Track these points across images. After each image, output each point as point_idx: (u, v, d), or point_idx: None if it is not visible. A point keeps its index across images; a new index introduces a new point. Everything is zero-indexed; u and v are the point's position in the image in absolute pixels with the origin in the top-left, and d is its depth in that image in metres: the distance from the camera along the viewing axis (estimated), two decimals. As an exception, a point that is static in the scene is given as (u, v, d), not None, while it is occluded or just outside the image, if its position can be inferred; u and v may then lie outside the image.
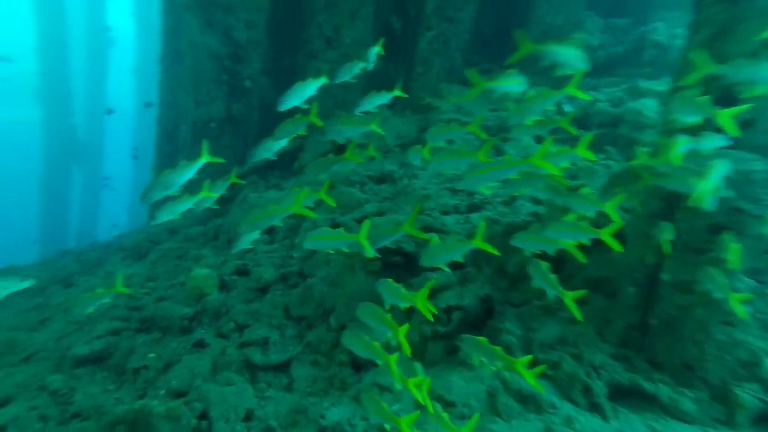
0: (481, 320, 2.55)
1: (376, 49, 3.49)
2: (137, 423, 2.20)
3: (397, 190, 4.46)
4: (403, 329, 2.15)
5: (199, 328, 3.38)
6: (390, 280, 2.45)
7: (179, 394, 2.55)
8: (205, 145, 2.87)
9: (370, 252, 2.60)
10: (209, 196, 3.03)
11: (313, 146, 6.62)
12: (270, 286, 3.86)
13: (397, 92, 3.22)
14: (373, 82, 7.06)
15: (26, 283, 2.52)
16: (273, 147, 3.28)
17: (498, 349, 1.87)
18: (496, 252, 2.14)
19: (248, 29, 5.70)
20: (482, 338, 1.99)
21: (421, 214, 3.54)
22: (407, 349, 2.14)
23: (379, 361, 2.15)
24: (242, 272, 4.12)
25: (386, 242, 2.71)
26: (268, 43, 6.28)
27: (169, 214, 2.73)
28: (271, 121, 7.80)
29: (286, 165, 6.97)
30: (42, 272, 5.89)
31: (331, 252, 3.21)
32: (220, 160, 3.05)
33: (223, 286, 3.91)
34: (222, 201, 7.37)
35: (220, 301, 3.67)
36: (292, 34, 6.45)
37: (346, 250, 3.07)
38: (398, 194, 4.37)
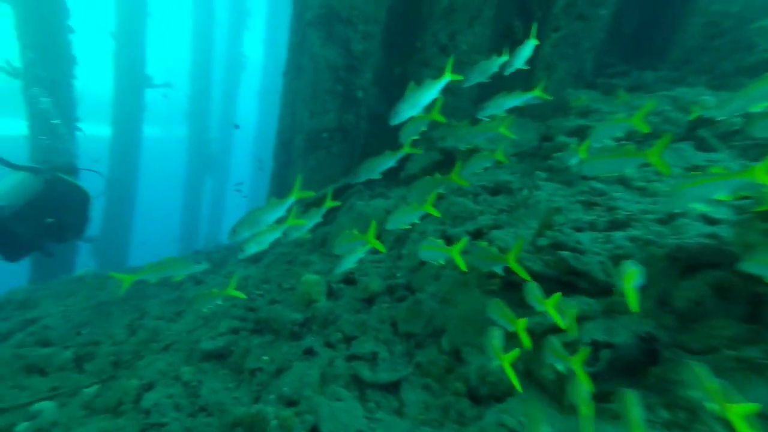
0: (640, 365, 2.03)
1: (533, 42, 3.02)
2: (254, 427, 2.18)
3: (515, 202, 4.03)
4: (522, 322, 2.11)
5: (309, 335, 3.37)
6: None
7: (290, 403, 2.50)
8: (297, 182, 2.75)
9: (462, 266, 2.50)
10: (297, 223, 2.92)
11: (420, 156, 6.47)
12: (376, 297, 3.74)
13: (536, 92, 2.82)
14: (485, 89, 6.69)
15: (201, 267, 2.74)
16: (379, 166, 3.08)
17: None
18: (636, 310, 1.76)
19: (364, 40, 5.81)
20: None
21: (550, 229, 3.09)
22: (527, 343, 2.08)
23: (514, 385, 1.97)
24: (349, 281, 4.07)
25: (494, 268, 2.45)
26: (382, 53, 6.35)
27: (257, 246, 2.70)
28: (378, 130, 7.91)
29: (392, 174, 6.91)
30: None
31: (442, 263, 2.92)
32: (311, 194, 2.96)
33: (331, 294, 3.89)
34: (330, 209, 7.54)
35: (327, 308, 3.64)
36: (404, 43, 6.44)
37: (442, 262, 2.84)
38: (517, 206, 3.95)
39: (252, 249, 2.64)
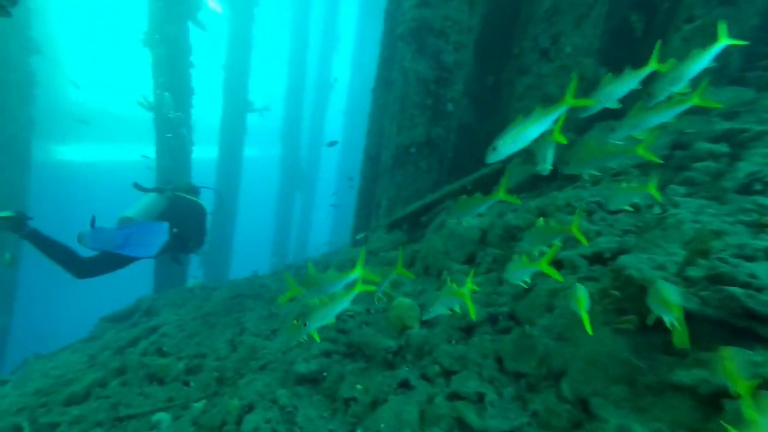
0: None
1: (721, 43, 2.12)
2: (350, 472, 1.98)
3: (644, 222, 3.40)
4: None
5: (403, 365, 3.12)
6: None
7: (389, 444, 2.26)
8: (361, 256, 2.49)
9: (589, 330, 2.04)
10: (367, 290, 2.58)
11: (516, 171, 6.01)
12: (476, 327, 3.37)
13: (694, 100, 2.21)
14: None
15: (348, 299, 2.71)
16: (474, 209, 2.65)
17: None
18: None
19: (456, 51, 5.57)
20: None
21: (705, 257, 2.48)
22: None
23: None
24: (444, 305, 3.76)
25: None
26: (473, 62, 6.06)
27: (321, 321, 2.49)
28: (467, 143, 7.52)
29: (485, 187, 6.55)
30: (274, 282, 6.94)
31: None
32: (375, 279, 2.65)
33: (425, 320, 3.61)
34: (418, 225, 7.28)
35: (422, 337, 3.37)
36: (498, 50, 6.07)
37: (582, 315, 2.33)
38: (648, 227, 3.32)
39: (316, 324, 2.44)
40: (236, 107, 15.31)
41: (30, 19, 10.41)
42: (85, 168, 18.22)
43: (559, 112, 2.10)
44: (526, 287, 3.56)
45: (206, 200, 7.08)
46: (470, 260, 4.68)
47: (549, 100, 5.73)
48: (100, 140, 18.36)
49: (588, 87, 5.80)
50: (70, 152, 17.28)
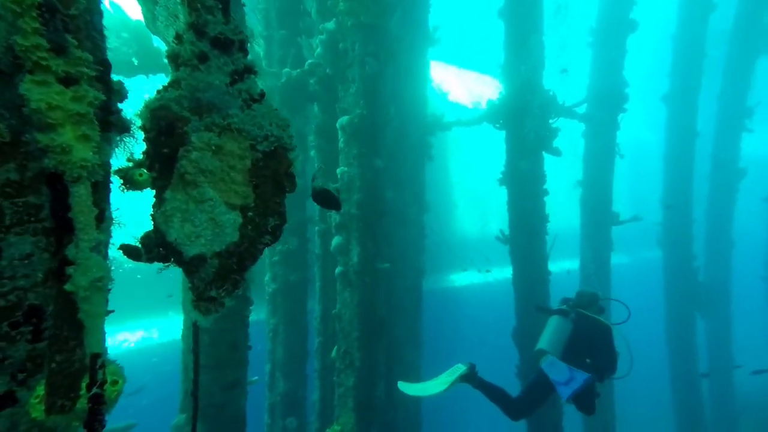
0: None
1: None
2: None
3: None
4: None
5: None
6: None
7: None
8: None
9: None
10: None
11: None
12: None
13: None
14: None
15: None
16: None
17: None
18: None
19: None
20: None
21: None
22: None
23: None
24: None
25: None
26: None
27: None
28: None
29: None
30: None
31: None
32: None
33: None
34: None
35: None
36: None
37: None
38: None
39: None
40: (598, 220, 13.35)
41: (425, 187, 12.98)
42: (467, 290, 20.98)
43: None
44: None
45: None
46: None
47: None
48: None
49: None
50: (455, 279, 20.64)
